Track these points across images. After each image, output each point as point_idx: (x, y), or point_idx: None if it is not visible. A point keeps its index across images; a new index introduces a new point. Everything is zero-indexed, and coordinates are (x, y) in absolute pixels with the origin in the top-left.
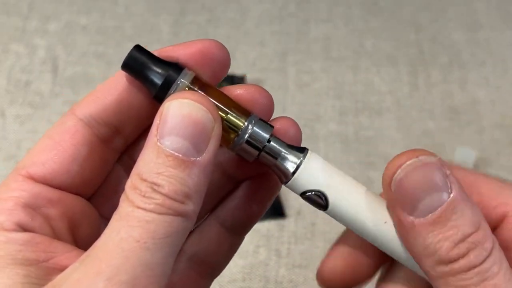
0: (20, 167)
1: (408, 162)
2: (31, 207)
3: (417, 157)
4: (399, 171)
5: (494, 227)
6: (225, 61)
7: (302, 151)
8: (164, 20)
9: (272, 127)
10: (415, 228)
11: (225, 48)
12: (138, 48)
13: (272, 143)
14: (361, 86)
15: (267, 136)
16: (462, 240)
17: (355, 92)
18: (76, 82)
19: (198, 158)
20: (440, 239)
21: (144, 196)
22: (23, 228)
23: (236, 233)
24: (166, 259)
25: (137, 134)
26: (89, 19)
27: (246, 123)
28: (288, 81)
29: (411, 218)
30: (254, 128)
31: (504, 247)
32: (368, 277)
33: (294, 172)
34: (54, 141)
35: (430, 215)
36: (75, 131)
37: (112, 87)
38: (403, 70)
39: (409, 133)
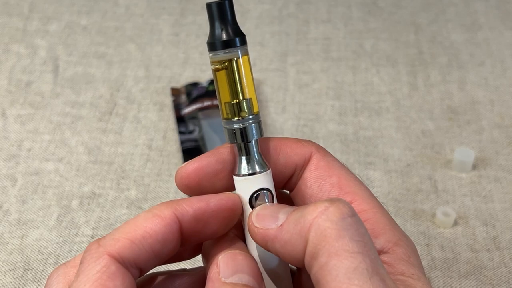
0: None
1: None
2: None
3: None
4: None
5: (302, 166)
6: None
7: (266, 167)
8: (165, 21)
9: (262, 135)
10: (283, 227)
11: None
12: None
13: (252, 144)
14: (361, 86)
15: (255, 137)
16: None
17: (355, 92)
18: (77, 82)
19: None
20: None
21: None
22: None
23: None
24: None
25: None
26: (90, 19)
27: (251, 117)
28: (288, 81)
29: (274, 225)
30: (253, 124)
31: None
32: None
33: (247, 175)
34: None
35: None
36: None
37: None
38: (402, 71)
39: (408, 133)
